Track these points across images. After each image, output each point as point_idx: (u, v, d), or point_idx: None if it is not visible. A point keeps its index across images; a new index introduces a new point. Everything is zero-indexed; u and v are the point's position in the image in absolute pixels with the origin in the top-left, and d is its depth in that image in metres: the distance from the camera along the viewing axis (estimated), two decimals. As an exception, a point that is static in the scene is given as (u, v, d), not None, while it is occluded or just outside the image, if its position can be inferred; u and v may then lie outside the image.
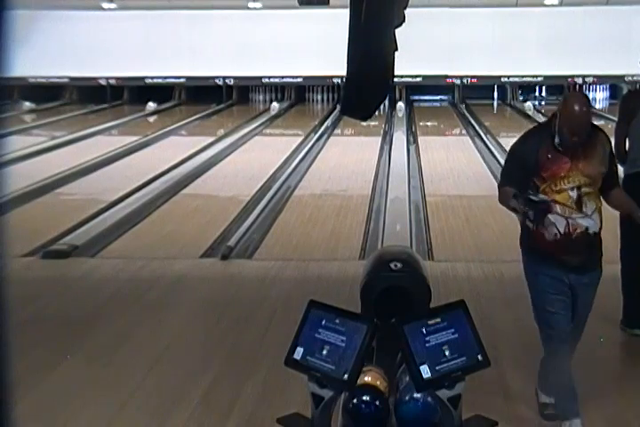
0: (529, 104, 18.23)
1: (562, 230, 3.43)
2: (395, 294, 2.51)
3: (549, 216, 3.40)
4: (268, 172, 10.88)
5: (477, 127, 15.36)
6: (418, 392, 2.28)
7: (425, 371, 2.25)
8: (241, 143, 13.96)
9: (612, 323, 4.89)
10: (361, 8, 3.17)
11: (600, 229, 3.52)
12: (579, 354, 3.71)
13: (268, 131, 16.26)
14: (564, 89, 20.14)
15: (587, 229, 3.45)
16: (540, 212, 3.37)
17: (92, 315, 5.40)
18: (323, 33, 17.39)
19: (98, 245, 7.25)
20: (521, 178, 3.50)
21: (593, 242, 3.51)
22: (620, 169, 4.20)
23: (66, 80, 19.77)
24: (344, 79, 3.51)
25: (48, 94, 19.47)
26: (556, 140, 3.43)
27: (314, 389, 2.32)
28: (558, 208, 3.42)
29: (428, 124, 17.40)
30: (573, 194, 3.42)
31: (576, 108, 3.37)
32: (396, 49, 3.44)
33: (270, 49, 18.92)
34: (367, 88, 3.39)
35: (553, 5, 18.34)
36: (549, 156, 3.44)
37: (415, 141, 14.05)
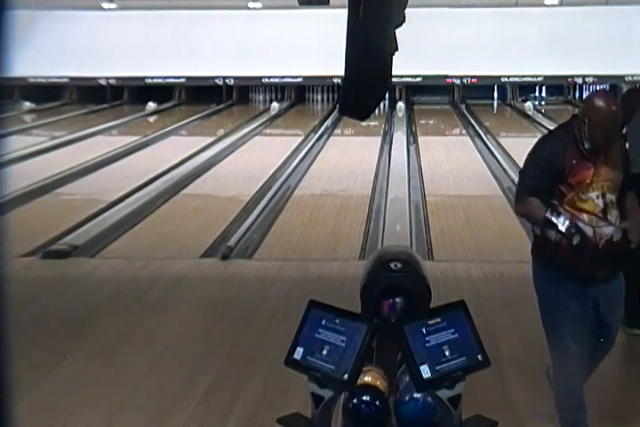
0: (529, 104, 18.22)
1: (588, 240, 3.31)
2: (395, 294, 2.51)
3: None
4: (268, 172, 10.87)
5: (477, 127, 15.35)
6: (418, 392, 2.28)
7: (425, 371, 2.25)
8: (241, 143, 13.95)
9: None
10: (359, 7, 3.16)
11: (621, 238, 3.40)
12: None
13: (268, 131, 16.25)
14: (564, 89, 20.17)
15: (611, 237, 3.33)
16: (576, 232, 3.26)
17: (92, 315, 5.40)
18: (323, 33, 17.35)
19: (98, 245, 7.25)
20: (546, 185, 3.33)
21: (616, 251, 3.39)
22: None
23: (66, 80, 19.74)
24: (342, 79, 3.50)
25: (48, 94, 19.45)
26: (587, 145, 3.31)
27: (314, 389, 2.32)
28: (585, 217, 3.30)
29: (429, 123, 17.39)
30: (600, 202, 3.32)
31: (606, 109, 3.26)
32: (397, 49, 3.43)
33: (270, 49, 18.90)
34: (365, 88, 3.38)
35: (553, 5, 18.32)
36: (574, 161, 3.32)
37: (415, 141, 14.04)
